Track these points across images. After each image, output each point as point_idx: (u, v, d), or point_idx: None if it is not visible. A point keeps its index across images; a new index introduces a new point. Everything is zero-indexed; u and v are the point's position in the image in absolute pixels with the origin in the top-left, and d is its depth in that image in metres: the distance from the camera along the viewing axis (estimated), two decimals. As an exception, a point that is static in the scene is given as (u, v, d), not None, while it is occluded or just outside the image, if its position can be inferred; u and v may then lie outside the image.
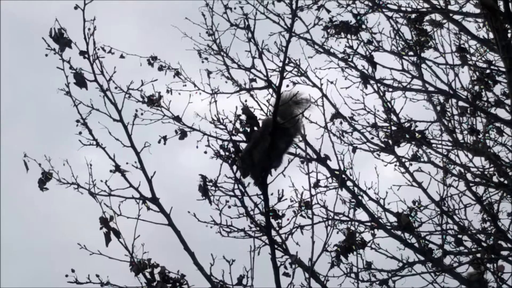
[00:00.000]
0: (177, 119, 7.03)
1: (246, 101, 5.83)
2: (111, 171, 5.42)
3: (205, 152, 5.89)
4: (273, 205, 5.72)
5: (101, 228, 5.25)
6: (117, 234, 5.27)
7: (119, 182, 5.44)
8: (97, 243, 5.26)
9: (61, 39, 5.29)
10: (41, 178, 5.44)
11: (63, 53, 5.36)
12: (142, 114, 7.10)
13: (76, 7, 5.39)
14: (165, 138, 6.95)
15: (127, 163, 5.44)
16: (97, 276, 5.22)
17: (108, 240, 5.24)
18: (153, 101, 7.16)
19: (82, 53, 5.40)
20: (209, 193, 5.76)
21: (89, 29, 5.38)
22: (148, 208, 5.43)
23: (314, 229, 5.63)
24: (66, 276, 5.19)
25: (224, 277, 5.45)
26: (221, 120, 5.94)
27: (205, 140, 6.05)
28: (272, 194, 5.74)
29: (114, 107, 5.55)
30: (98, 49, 5.47)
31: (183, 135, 6.95)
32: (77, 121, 5.41)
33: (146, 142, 5.50)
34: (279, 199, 5.71)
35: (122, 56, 7.82)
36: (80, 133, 5.44)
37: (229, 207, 5.78)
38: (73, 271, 5.20)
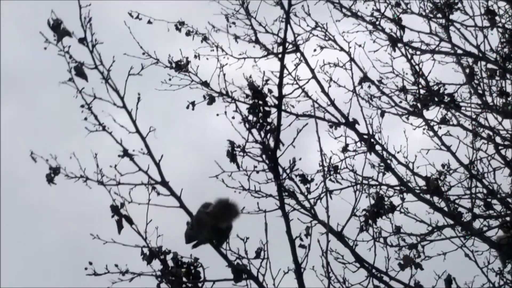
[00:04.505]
0: (205, 84, 7.02)
1: (250, 76, 5.79)
2: (119, 156, 5.35)
3: (233, 118, 5.85)
4: (286, 175, 5.64)
5: (112, 216, 5.20)
6: (130, 220, 5.23)
7: (127, 168, 5.38)
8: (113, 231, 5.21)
9: (58, 30, 5.22)
10: (48, 173, 5.36)
11: (63, 44, 5.27)
12: (170, 79, 7.15)
13: None
14: (193, 103, 6.97)
15: (133, 150, 5.36)
16: (116, 265, 5.20)
17: (120, 227, 5.17)
18: (180, 67, 7.17)
19: (80, 40, 5.32)
20: (237, 159, 5.75)
21: (85, 18, 5.28)
22: (158, 194, 5.37)
23: (328, 210, 5.45)
24: (86, 269, 5.16)
25: (239, 254, 5.40)
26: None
27: (233, 105, 6.02)
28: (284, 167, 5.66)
29: (116, 93, 5.43)
30: (96, 39, 5.34)
31: (211, 100, 6.93)
32: (82, 106, 5.30)
33: (151, 126, 5.37)
34: (291, 169, 5.66)
35: (149, 22, 7.87)
36: (85, 118, 5.34)
37: (257, 172, 5.76)
38: (90, 263, 5.16)
